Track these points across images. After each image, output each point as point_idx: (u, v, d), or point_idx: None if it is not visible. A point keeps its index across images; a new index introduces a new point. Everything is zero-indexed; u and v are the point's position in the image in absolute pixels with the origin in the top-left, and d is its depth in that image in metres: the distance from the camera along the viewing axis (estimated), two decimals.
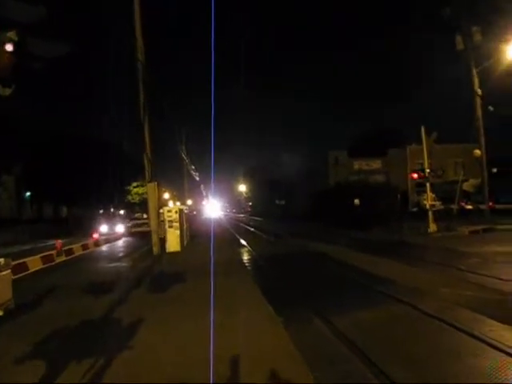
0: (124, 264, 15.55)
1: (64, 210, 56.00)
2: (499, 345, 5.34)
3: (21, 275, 12.85)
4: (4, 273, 8.40)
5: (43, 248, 21.81)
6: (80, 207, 53.70)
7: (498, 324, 6.26)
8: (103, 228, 34.56)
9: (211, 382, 4.31)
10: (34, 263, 14.80)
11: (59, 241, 18.07)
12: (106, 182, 41.69)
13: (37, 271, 14.32)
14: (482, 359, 5.07)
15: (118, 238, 30.97)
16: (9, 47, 3.42)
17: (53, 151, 44.39)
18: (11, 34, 3.44)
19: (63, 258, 17.38)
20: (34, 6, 4.01)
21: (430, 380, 4.65)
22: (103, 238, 28.03)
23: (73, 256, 18.76)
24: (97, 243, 24.85)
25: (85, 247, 21.85)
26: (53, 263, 16.06)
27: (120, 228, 35.66)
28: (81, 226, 40.96)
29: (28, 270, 13.95)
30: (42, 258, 15.69)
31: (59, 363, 5.12)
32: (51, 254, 16.59)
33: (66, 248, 18.51)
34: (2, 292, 8.18)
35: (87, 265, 16.02)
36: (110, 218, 42.57)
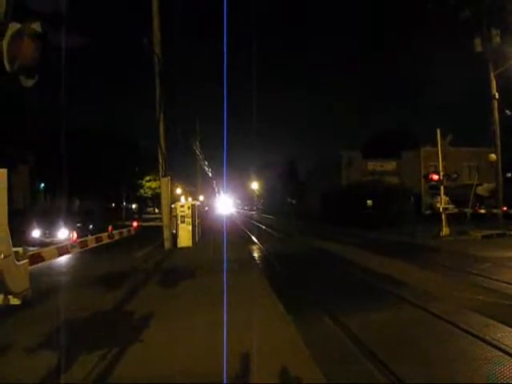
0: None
1: (77, 203, 56.38)
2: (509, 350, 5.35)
3: None
4: (22, 262, 8.62)
5: None
6: (91, 200, 53.88)
7: (509, 329, 6.25)
8: (35, 233, 20.46)
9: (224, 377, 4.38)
10: None
11: None
12: (119, 175, 41.55)
13: None
14: (489, 363, 5.08)
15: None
16: (33, 38, 3.52)
17: (67, 143, 44.57)
18: (35, 26, 3.52)
19: None
20: None
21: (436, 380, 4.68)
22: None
23: None
24: None
25: None
26: None
27: (63, 233, 20.46)
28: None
29: None
30: None
31: (71, 354, 5.12)
32: None
33: None
34: (21, 281, 8.41)
35: None
36: (118, 214, 39.80)
